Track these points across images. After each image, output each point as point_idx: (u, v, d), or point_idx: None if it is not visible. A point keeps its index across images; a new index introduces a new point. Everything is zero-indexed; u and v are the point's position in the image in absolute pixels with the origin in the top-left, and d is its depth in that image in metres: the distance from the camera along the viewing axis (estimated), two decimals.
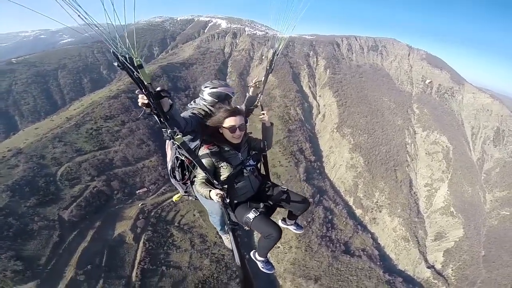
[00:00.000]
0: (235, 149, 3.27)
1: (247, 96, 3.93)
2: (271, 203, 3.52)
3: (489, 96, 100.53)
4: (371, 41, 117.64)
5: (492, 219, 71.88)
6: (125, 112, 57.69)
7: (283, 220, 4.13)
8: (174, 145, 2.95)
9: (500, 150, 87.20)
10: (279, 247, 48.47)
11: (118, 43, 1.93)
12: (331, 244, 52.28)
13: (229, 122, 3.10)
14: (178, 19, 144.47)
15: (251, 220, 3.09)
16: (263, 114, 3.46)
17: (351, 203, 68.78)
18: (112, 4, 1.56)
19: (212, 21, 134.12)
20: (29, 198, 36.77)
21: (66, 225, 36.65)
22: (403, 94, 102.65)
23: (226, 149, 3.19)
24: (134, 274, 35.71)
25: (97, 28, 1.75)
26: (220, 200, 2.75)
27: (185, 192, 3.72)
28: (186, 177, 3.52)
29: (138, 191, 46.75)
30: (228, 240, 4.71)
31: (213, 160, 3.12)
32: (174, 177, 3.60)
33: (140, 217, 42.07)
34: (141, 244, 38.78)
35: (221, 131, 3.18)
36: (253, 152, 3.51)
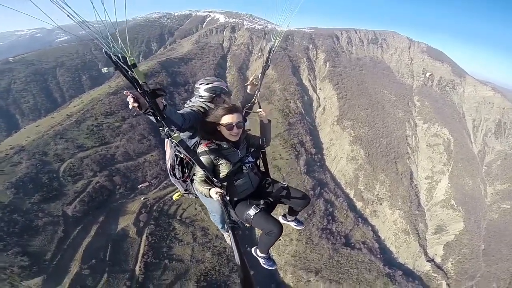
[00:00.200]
0: (234, 146, 3.25)
1: (244, 94, 3.94)
2: (271, 199, 3.50)
3: (490, 89, 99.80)
4: (371, 34, 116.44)
5: (492, 212, 71.97)
6: (125, 108, 57.67)
7: (284, 216, 4.13)
8: (172, 143, 2.94)
9: (501, 143, 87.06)
10: (280, 239, 48.85)
11: (111, 42, 1.87)
12: (332, 237, 52.71)
13: (226, 119, 3.08)
14: (176, 14, 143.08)
15: (251, 217, 3.09)
16: (261, 111, 3.45)
17: (351, 195, 69.08)
18: (102, 3, 1.55)
19: (210, 15, 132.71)
20: (33, 194, 37.25)
21: (70, 220, 37.25)
22: (403, 87, 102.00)
23: (224, 146, 3.18)
24: (137, 267, 36.33)
25: (87, 27, 1.71)
26: (219, 198, 2.73)
27: (185, 190, 3.72)
28: (186, 174, 3.51)
29: (140, 185, 47.16)
30: (229, 238, 4.77)
31: (212, 157, 3.11)
32: (174, 175, 3.58)
33: (143, 211, 42.61)
34: (144, 238, 39.34)
35: (219, 129, 3.15)
36: (252, 149, 3.49)
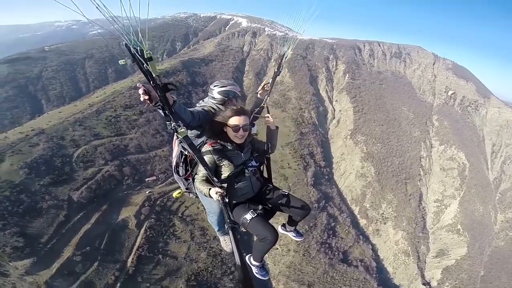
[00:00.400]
0: (238, 148, 3.24)
1: (254, 99, 4.00)
2: (270, 206, 3.47)
3: None
4: (395, 47, 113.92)
5: (499, 239, 68.87)
6: (143, 103, 59.84)
7: (283, 226, 4.06)
8: (177, 138, 2.95)
9: None
10: (277, 248, 48.53)
11: (132, 36, 1.99)
12: (330, 252, 51.89)
13: (233, 121, 3.08)
14: (202, 15, 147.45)
15: (248, 221, 3.06)
16: (268, 116, 3.43)
17: (356, 212, 67.71)
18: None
19: (233, 19, 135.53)
20: (44, 176, 39.06)
21: (74, 206, 38.48)
22: (423, 104, 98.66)
23: (229, 148, 3.17)
24: (130, 259, 36.71)
25: (113, 21, 1.83)
26: (219, 198, 2.72)
27: (187, 189, 3.76)
28: (189, 172, 3.56)
29: (148, 178, 48.55)
30: (225, 242, 4.71)
31: (215, 157, 3.10)
32: (177, 172, 3.64)
33: (146, 205, 43.65)
34: (142, 231, 40.14)
35: (225, 130, 3.17)
36: (256, 154, 3.47)
